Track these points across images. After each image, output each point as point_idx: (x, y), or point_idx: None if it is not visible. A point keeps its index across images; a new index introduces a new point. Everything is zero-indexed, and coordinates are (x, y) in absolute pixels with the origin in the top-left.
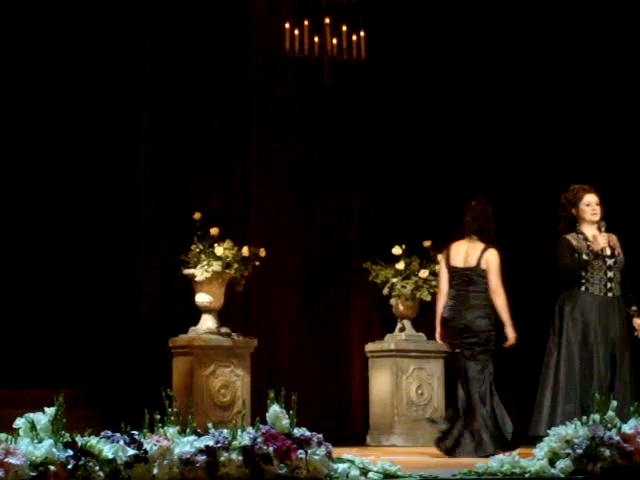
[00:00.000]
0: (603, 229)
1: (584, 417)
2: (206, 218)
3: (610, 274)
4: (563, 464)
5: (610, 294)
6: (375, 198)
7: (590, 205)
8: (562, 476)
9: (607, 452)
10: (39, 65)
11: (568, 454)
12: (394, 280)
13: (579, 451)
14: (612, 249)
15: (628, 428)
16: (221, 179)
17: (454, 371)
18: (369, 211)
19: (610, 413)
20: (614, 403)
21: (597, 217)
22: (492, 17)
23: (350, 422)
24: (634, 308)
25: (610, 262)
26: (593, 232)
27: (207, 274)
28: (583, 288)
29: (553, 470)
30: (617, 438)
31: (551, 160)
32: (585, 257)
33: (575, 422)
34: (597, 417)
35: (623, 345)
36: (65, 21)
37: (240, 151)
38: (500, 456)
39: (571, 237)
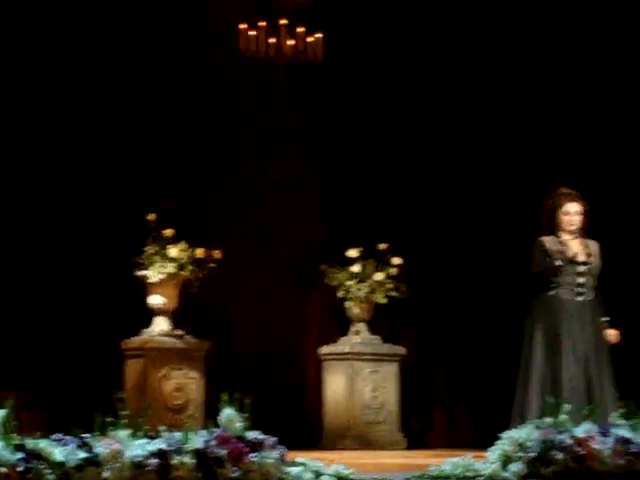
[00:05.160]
0: (577, 235)
1: (537, 420)
2: (161, 219)
3: (581, 280)
4: (516, 467)
5: (580, 298)
6: (334, 200)
7: (568, 214)
8: (515, 479)
9: (560, 456)
10: None
11: (521, 457)
12: (349, 283)
13: (532, 454)
14: (587, 256)
15: (581, 432)
16: (178, 180)
17: (409, 374)
18: (328, 213)
19: (563, 416)
20: (567, 407)
21: (573, 227)
22: (450, 18)
23: (304, 425)
24: (605, 318)
25: (582, 269)
26: (569, 238)
27: (161, 276)
28: (553, 292)
29: (506, 473)
30: (570, 442)
31: (518, 161)
32: (558, 262)
33: (528, 425)
34: (550, 420)
35: (599, 350)
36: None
37: (197, 152)
38: (454, 459)
39: (547, 240)
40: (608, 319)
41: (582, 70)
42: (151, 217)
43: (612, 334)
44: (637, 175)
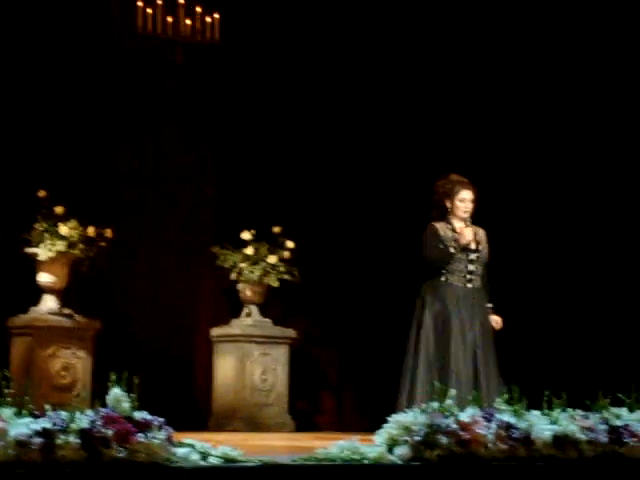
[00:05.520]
0: (468, 223)
1: (424, 405)
2: (52, 197)
3: (471, 267)
4: (401, 451)
5: (470, 285)
6: (228, 183)
7: (464, 202)
8: (400, 463)
9: (444, 440)
10: None
11: (406, 441)
12: (242, 265)
13: (417, 438)
14: (477, 243)
15: (466, 416)
16: (70, 157)
17: (300, 357)
18: (221, 195)
19: (448, 401)
20: (453, 391)
21: (466, 215)
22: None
23: (194, 406)
24: (489, 305)
25: (473, 256)
26: (461, 225)
27: (50, 254)
28: (444, 278)
29: (391, 456)
30: (455, 426)
31: (414, 148)
32: (452, 250)
33: (415, 409)
34: (436, 405)
35: (486, 336)
36: None
37: (92, 129)
38: (340, 442)
39: (439, 226)
40: (492, 305)
41: (463, 58)
42: (42, 194)
43: (496, 320)
44: (507, 165)
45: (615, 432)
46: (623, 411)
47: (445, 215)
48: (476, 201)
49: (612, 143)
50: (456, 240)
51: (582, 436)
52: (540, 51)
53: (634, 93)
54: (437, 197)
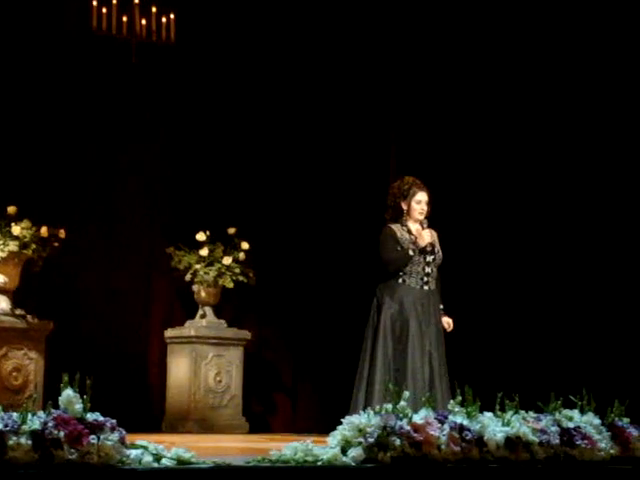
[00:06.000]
0: (425, 225)
1: (378, 407)
2: (5, 196)
3: (428, 269)
4: (354, 452)
5: (426, 287)
6: (183, 183)
7: (420, 203)
8: (353, 464)
9: (397, 441)
10: None
11: (360, 443)
12: (197, 266)
13: (370, 440)
14: (432, 245)
15: (419, 418)
16: (23, 157)
17: (254, 359)
18: (176, 196)
19: (402, 403)
20: (406, 393)
21: (422, 216)
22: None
23: (148, 408)
24: (441, 307)
25: (429, 258)
26: (417, 227)
27: (2, 254)
28: (401, 280)
29: (345, 458)
30: (408, 428)
31: (368, 151)
32: (411, 252)
33: (368, 411)
34: (390, 406)
35: (440, 338)
36: None
37: (45, 130)
38: (294, 444)
39: (395, 228)
40: (442, 307)
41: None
42: None
43: (447, 322)
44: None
45: (567, 434)
46: (575, 413)
47: (400, 217)
48: (430, 203)
49: (565, 141)
50: (414, 242)
51: (534, 438)
52: (498, 50)
53: (590, 92)
54: (392, 199)
